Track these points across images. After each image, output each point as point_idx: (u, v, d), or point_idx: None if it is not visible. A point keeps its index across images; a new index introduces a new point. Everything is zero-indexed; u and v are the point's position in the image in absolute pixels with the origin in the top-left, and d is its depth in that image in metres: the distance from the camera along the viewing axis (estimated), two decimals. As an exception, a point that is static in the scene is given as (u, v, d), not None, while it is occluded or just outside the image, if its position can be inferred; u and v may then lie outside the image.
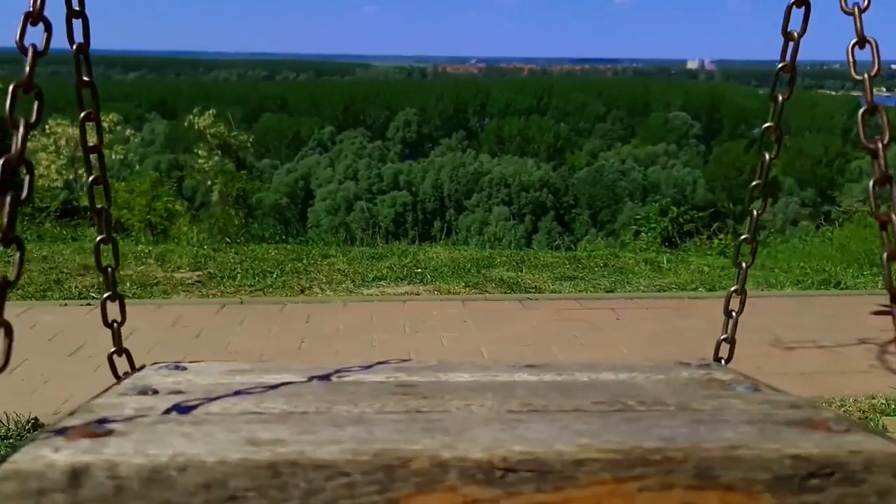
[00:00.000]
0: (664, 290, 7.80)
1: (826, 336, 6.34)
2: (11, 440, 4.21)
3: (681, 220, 13.94)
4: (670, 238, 13.12)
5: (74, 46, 1.85)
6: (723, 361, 2.33)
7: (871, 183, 1.63)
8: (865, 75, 1.76)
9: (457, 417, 1.47)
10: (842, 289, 8.17)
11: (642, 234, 14.28)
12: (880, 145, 1.64)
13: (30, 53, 1.54)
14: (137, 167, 57.16)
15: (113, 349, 2.05)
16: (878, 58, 1.76)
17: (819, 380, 5.41)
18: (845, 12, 1.79)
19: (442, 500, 1.21)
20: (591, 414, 1.52)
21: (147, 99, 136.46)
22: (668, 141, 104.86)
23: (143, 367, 1.98)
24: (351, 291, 7.41)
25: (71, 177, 23.80)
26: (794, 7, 2.01)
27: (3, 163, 1.41)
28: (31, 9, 1.51)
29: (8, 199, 1.41)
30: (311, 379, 1.79)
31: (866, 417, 4.77)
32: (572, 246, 12.76)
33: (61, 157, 23.44)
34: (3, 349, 1.37)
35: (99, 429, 1.33)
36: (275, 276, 7.80)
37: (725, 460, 1.29)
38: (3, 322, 1.38)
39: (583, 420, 1.46)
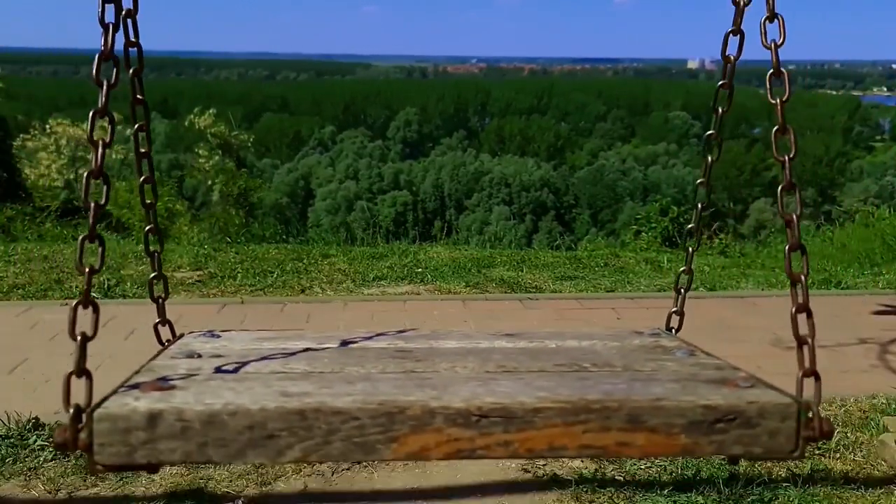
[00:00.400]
0: (665, 290, 7.79)
1: (827, 336, 6.31)
2: (12, 439, 4.20)
3: (681, 219, 13.92)
4: (671, 237, 13.11)
5: (131, 70, 2.26)
6: (673, 331, 2.66)
7: (779, 188, 2.03)
8: (778, 100, 2.14)
9: (443, 376, 1.86)
10: (842, 288, 8.18)
11: (643, 233, 14.27)
12: (787, 158, 2.03)
13: (104, 86, 1.89)
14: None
15: (157, 320, 2.45)
16: (789, 86, 2.16)
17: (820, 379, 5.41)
18: (765, 47, 2.20)
19: (430, 438, 1.58)
20: (551, 374, 1.90)
21: (148, 98, 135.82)
22: (669, 140, 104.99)
23: (182, 336, 2.38)
24: (351, 291, 7.42)
25: (72, 176, 23.80)
26: (730, 35, 2.41)
27: (87, 175, 1.81)
28: (103, 48, 1.89)
29: (92, 205, 1.79)
30: (324, 345, 2.17)
31: (867, 417, 4.77)
32: (573, 245, 12.77)
33: (62, 156, 23.43)
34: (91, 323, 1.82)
35: (164, 384, 1.73)
36: (275, 275, 7.80)
37: (651, 409, 1.66)
38: (90, 301, 1.88)
39: (544, 378, 1.85)
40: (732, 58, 2.48)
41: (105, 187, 1.89)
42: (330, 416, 1.56)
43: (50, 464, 4.02)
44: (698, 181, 2.76)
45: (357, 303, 6.99)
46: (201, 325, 6.17)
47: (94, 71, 1.85)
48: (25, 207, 13.40)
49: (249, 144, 28.69)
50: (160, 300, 2.49)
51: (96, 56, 1.86)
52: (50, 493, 3.79)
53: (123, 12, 2.04)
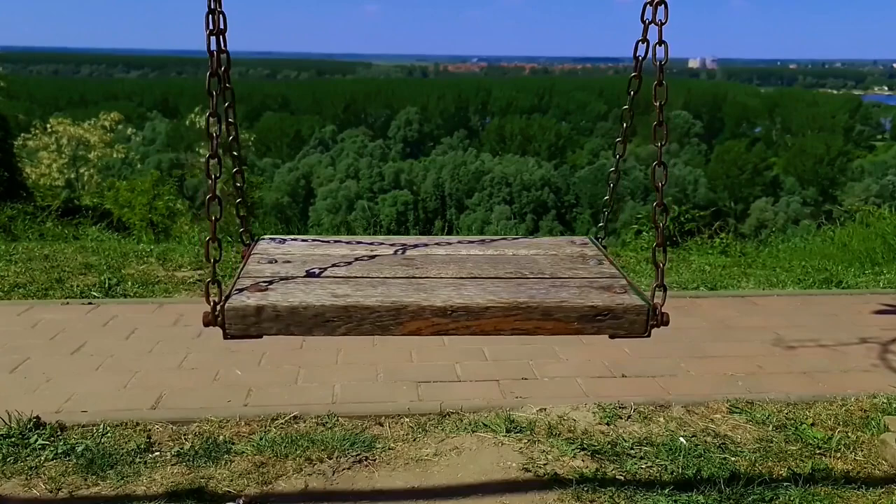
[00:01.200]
0: (665, 288, 7.78)
1: (828, 335, 6.33)
2: (13, 438, 4.20)
3: (682, 219, 13.88)
4: (671, 237, 13.09)
5: (227, 91, 2.92)
6: (600, 241, 3.43)
7: (654, 247, 2.71)
8: (658, 103, 2.80)
9: (432, 282, 2.74)
10: (843, 288, 8.17)
11: (643, 233, 14.25)
12: (660, 185, 2.75)
13: (213, 96, 2.67)
14: (139, 166, 57.20)
15: (242, 229, 3.22)
16: (667, 94, 2.82)
17: (821, 379, 5.41)
18: (654, 64, 2.79)
19: (422, 324, 2.50)
20: (501, 280, 2.79)
21: (148, 97, 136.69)
22: (670, 140, 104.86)
23: (259, 240, 3.25)
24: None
25: (72, 175, 23.83)
26: (638, 42, 3.01)
27: (209, 200, 2.63)
28: (210, 71, 2.68)
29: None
30: (355, 251, 3.10)
31: (868, 416, 4.77)
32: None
33: (63, 155, 23.46)
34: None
35: (262, 287, 2.62)
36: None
37: (556, 308, 2.53)
38: (216, 238, 2.62)
39: (495, 284, 2.73)
40: (640, 58, 3.04)
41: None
42: (362, 310, 2.49)
43: (51, 463, 4.02)
44: (610, 170, 3.48)
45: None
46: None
47: (206, 84, 2.66)
48: (26, 207, 13.35)
49: (250, 144, 28.62)
50: (242, 218, 3.21)
51: (207, 75, 2.68)
52: (51, 492, 3.79)
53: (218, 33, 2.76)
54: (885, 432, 4.49)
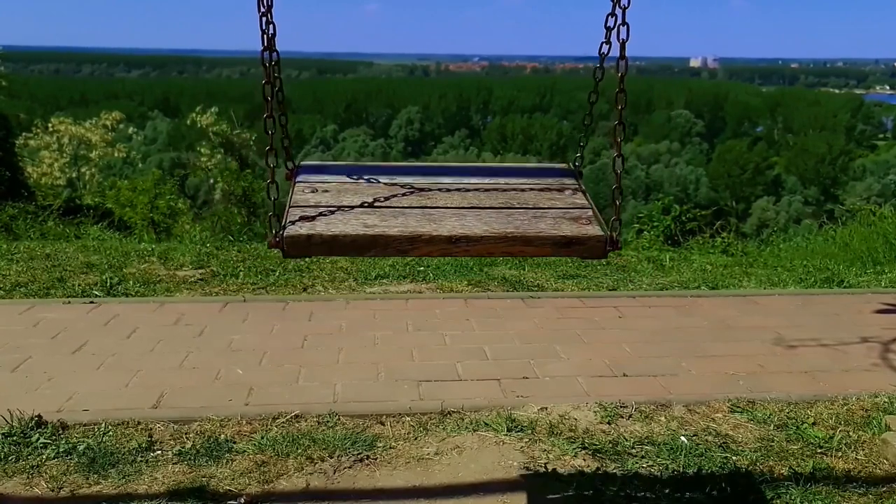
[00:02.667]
0: (666, 289, 7.78)
1: (829, 334, 6.33)
2: (14, 437, 4.20)
3: (683, 218, 13.86)
4: (673, 236, 13.07)
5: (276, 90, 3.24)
6: (576, 166, 3.83)
7: (613, 188, 3.21)
8: (619, 97, 3.20)
9: (441, 212, 3.17)
10: (845, 287, 8.16)
11: (645, 232, 14.21)
12: (618, 202, 3.17)
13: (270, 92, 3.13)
14: (140, 165, 57.24)
15: (286, 158, 3.60)
16: (626, 95, 3.20)
17: (822, 378, 5.41)
18: (618, 70, 3.19)
19: (432, 247, 2.96)
20: (493, 210, 3.21)
21: (150, 97, 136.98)
22: (671, 139, 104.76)
23: (300, 168, 3.56)
24: (353, 289, 7.40)
25: (74, 175, 23.83)
26: (603, 43, 3.44)
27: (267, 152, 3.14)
28: (265, 80, 3.13)
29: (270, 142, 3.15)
30: (380, 180, 3.48)
31: (869, 415, 4.77)
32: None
33: (64, 155, 23.48)
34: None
35: (309, 218, 3.03)
36: (277, 273, 7.80)
37: (535, 237, 2.99)
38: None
39: (489, 214, 3.16)
40: (604, 54, 3.48)
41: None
42: (387, 238, 2.96)
43: (53, 462, 4.02)
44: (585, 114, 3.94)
45: (359, 301, 6.97)
46: (204, 322, 6.23)
47: (262, 88, 3.13)
48: (28, 206, 13.35)
49: (251, 143, 28.66)
50: (287, 148, 3.57)
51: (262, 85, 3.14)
52: (52, 490, 3.79)
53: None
54: (887, 431, 4.49)
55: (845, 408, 4.89)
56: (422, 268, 8.23)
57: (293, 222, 3.11)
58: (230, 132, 27.11)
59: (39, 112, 53.13)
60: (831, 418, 4.75)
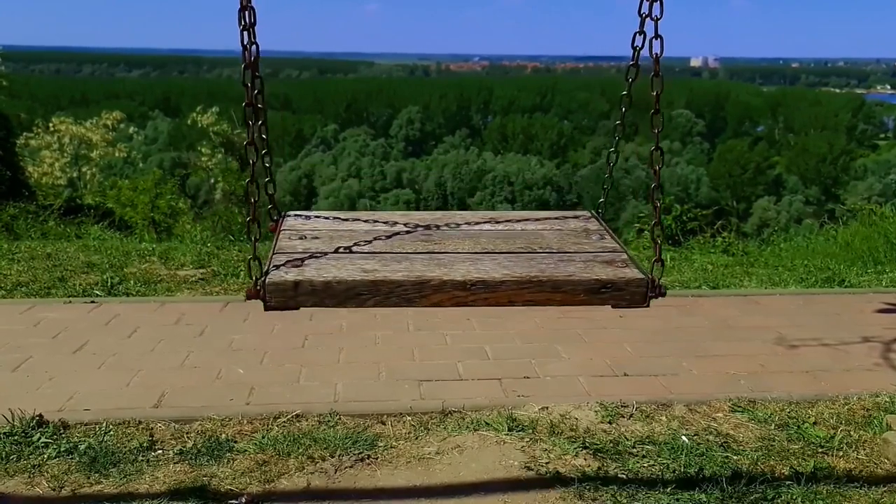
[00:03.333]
0: (667, 289, 7.77)
1: (830, 334, 6.32)
2: (16, 437, 4.21)
3: (684, 217, 13.86)
4: (674, 236, 13.07)
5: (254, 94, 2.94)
6: (600, 213, 3.63)
7: (652, 224, 2.99)
8: (655, 92, 2.96)
9: (450, 256, 2.97)
10: (846, 287, 8.16)
11: (645, 231, 14.22)
12: (657, 167, 2.98)
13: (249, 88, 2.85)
14: (141, 165, 57.19)
15: (270, 206, 3.45)
16: (662, 85, 2.96)
17: (823, 378, 5.41)
18: (651, 57, 2.95)
19: (443, 296, 2.75)
20: (513, 255, 3.01)
21: (150, 97, 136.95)
22: (672, 139, 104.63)
23: (286, 216, 3.47)
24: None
25: (74, 174, 23.86)
26: (636, 34, 3.21)
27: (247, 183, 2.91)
28: (246, 62, 2.85)
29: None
30: (377, 227, 3.33)
31: (870, 415, 4.77)
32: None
33: (65, 154, 23.51)
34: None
35: (297, 263, 2.84)
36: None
37: (565, 282, 2.77)
38: (256, 219, 2.83)
39: (508, 259, 2.96)
40: (637, 48, 3.24)
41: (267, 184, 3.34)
42: (389, 284, 2.74)
43: (54, 461, 4.02)
44: (616, 122, 3.68)
45: (360, 301, 6.97)
46: (204, 322, 6.22)
47: (242, 77, 2.86)
48: (28, 206, 13.36)
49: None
50: (271, 196, 3.42)
51: (242, 66, 2.87)
52: (54, 490, 3.80)
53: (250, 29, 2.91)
54: (888, 431, 4.49)
55: (846, 407, 4.90)
56: None
57: (277, 267, 2.86)
58: (231, 132, 27.13)
59: (40, 112, 53.15)
60: (832, 418, 4.75)
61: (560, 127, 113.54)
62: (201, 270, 7.88)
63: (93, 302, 6.77)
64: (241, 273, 7.71)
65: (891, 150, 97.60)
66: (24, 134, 23.16)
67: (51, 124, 24.04)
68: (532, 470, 4.09)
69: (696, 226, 13.36)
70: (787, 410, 4.85)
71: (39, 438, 4.20)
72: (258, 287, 2.75)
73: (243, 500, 3.74)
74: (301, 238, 3.18)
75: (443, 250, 3.08)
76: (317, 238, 3.19)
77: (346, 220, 3.50)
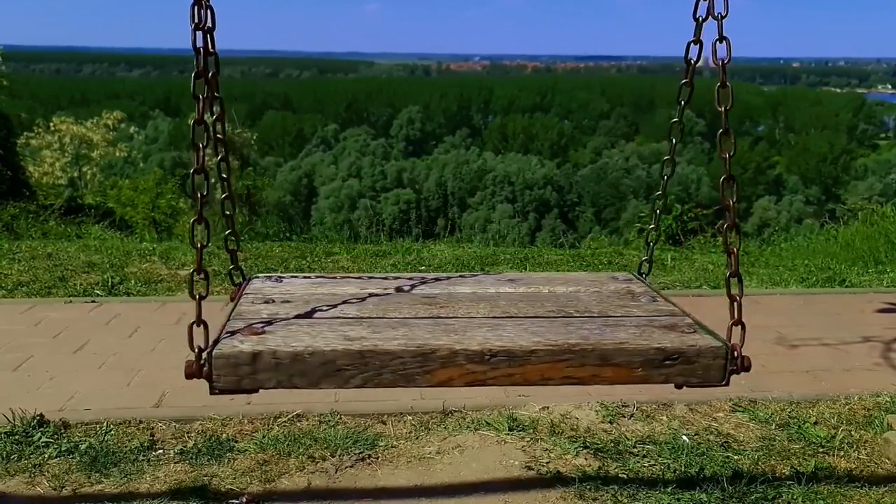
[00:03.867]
0: (667, 288, 7.78)
1: (830, 334, 6.32)
2: (17, 436, 4.21)
3: (685, 217, 13.87)
4: (674, 236, 13.08)
5: (210, 74, 2.50)
6: (644, 276, 3.13)
7: (725, 227, 2.45)
8: (723, 108, 2.47)
9: (463, 322, 2.40)
10: (846, 287, 8.17)
11: (646, 231, 14.22)
12: (731, 202, 2.45)
13: (200, 100, 2.36)
14: (141, 165, 57.23)
15: (231, 267, 2.94)
16: (732, 99, 2.48)
17: (824, 377, 5.41)
18: (714, 64, 2.50)
19: (454, 372, 2.17)
20: (543, 319, 2.45)
21: (151, 96, 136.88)
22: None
23: (250, 279, 2.95)
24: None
25: (75, 174, 23.90)
26: (691, 44, 2.89)
27: (192, 172, 2.32)
28: (197, 69, 2.35)
29: (199, 195, 2.35)
30: (366, 290, 2.77)
31: (871, 415, 4.77)
32: (576, 244, 12.74)
33: (66, 154, 23.56)
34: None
35: (258, 329, 2.28)
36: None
37: (616, 351, 2.20)
38: (202, 270, 2.34)
39: (538, 324, 2.39)
40: (693, 61, 2.93)
41: (206, 182, 2.41)
42: (382, 355, 2.16)
43: (55, 461, 4.02)
44: (665, 157, 3.09)
45: (360, 300, 6.98)
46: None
47: (192, 87, 2.35)
48: (29, 205, 13.41)
49: (253, 142, 28.64)
50: (233, 252, 2.96)
51: (192, 75, 2.36)
52: (55, 489, 3.79)
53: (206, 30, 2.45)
54: (889, 431, 4.49)
55: (847, 407, 4.90)
56: (423, 267, 8.25)
57: (232, 334, 2.26)
58: (231, 131, 27.14)
59: (41, 111, 53.16)
60: (833, 417, 4.76)
61: (560, 127, 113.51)
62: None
63: (93, 301, 6.78)
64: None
65: (891, 149, 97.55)
66: (25, 134, 23.19)
67: (51, 124, 24.06)
68: (533, 470, 4.08)
69: (697, 225, 13.37)
70: (788, 410, 4.85)
71: (40, 438, 4.20)
72: (202, 361, 2.13)
73: (244, 499, 3.74)
74: (267, 302, 2.62)
75: (452, 314, 2.49)
76: (288, 302, 2.62)
77: (331, 279, 2.95)
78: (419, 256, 8.86)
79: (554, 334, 2.29)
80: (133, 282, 7.39)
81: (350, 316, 2.46)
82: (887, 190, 68.52)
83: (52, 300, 6.88)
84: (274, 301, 2.64)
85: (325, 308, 2.53)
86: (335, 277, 3.01)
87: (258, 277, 3.02)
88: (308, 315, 2.46)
